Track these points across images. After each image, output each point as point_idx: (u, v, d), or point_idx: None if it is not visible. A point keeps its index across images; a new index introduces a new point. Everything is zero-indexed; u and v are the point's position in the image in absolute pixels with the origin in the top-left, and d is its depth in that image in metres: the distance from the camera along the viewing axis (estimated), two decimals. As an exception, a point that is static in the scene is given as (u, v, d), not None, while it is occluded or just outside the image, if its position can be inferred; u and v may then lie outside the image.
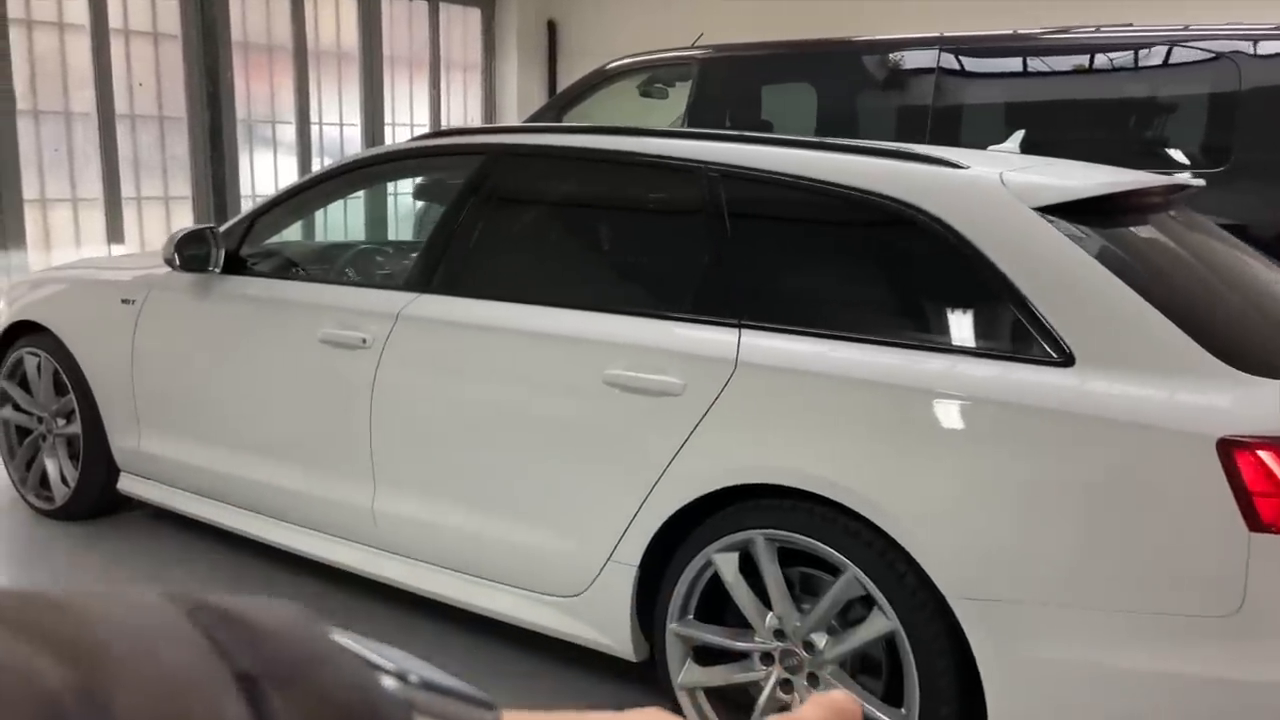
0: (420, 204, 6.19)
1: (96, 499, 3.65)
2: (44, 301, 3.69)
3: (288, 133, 7.80)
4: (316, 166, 7.95)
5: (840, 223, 2.36)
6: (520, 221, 2.93)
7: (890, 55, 5.33)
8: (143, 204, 6.92)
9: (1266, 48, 4.28)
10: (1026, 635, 1.92)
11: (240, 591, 2.73)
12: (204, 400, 3.23)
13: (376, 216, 7.10)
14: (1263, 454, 1.77)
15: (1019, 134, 2.78)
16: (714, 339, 2.30)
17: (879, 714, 2.10)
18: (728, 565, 2.25)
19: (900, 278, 2.30)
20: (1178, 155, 4.53)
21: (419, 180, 4.55)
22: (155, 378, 3.35)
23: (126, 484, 3.55)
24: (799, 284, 2.37)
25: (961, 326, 2.13)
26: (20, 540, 3.60)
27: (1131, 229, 2.29)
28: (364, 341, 2.79)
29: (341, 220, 6.90)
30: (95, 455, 3.56)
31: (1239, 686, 1.81)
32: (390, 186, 6.22)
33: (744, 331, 2.28)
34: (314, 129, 7.92)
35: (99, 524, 3.70)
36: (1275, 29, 4.31)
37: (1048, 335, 2.00)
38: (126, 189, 6.77)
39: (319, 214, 3.89)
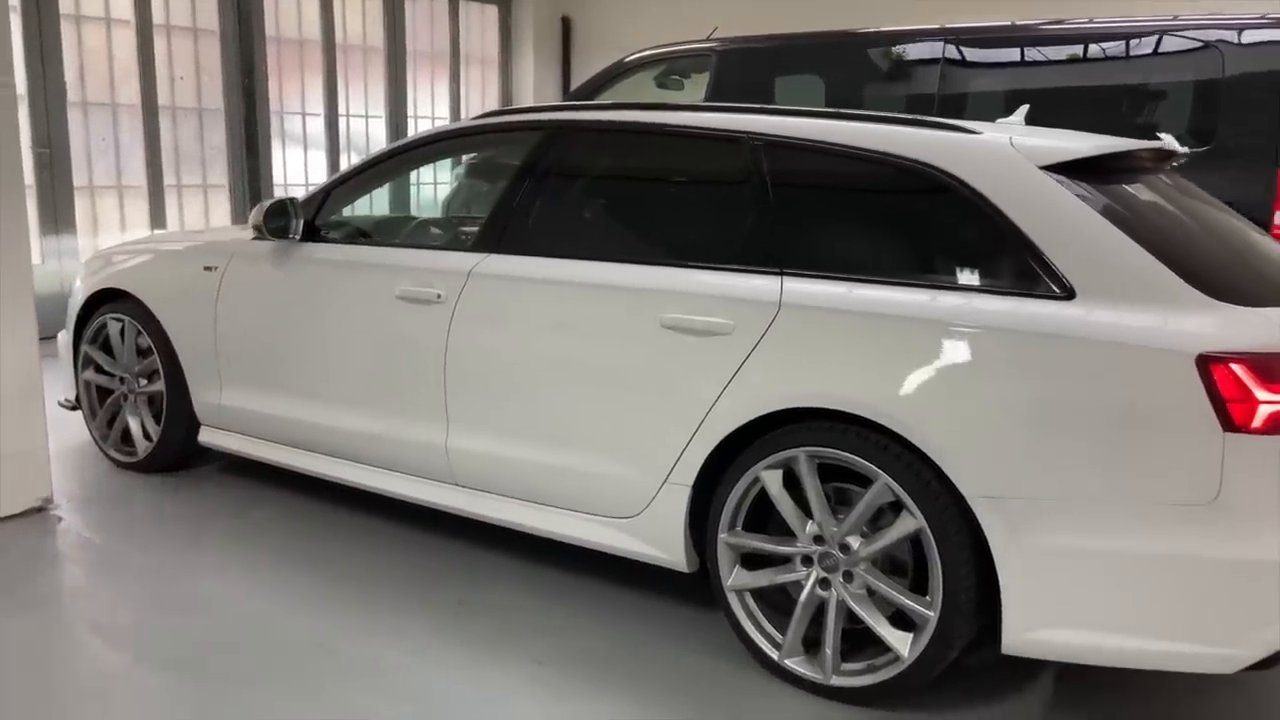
0: (468, 179, 6.38)
1: (177, 452, 3.97)
2: (130, 270, 4.00)
3: (317, 124, 8.13)
4: (344, 157, 8.27)
5: (867, 182, 2.69)
6: (581, 187, 3.25)
7: (897, 46, 5.65)
8: (183, 191, 7.24)
9: (1249, 36, 4.61)
10: (1034, 526, 2.25)
11: (307, 531, 3.10)
12: (286, 355, 3.54)
13: (429, 193, 7.37)
14: (1234, 367, 2.11)
15: (1024, 108, 3.11)
16: (759, 285, 2.63)
17: (908, 601, 2.44)
18: (773, 480, 2.58)
19: (922, 228, 2.63)
20: (1165, 138, 4.85)
21: (479, 155, 4.73)
22: (237, 336, 3.66)
23: (207, 436, 3.87)
24: (832, 236, 2.70)
25: (977, 268, 2.47)
26: (104, 491, 3.90)
27: (1125, 186, 2.62)
28: (439, 297, 3.11)
29: (403, 194, 7.20)
30: (178, 411, 3.87)
31: (1215, 564, 2.14)
32: (444, 164, 6.41)
33: (785, 278, 2.62)
34: (341, 121, 8.25)
35: (176, 475, 4.01)
36: (1257, 19, 4.64)
37: (1052, 274, 2.33)
38: (168, 177, 7.10)
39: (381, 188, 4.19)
